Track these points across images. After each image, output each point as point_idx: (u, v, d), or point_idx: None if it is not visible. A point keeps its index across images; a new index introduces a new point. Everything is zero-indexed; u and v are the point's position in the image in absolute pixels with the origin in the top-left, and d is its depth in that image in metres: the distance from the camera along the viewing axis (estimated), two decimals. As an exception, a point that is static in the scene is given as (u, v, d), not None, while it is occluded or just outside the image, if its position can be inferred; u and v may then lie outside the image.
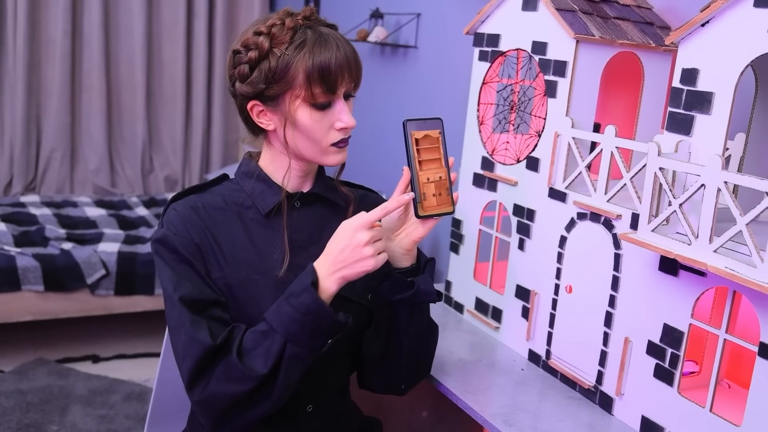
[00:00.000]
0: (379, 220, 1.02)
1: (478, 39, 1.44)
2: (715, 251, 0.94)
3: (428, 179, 1.02)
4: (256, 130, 1.10)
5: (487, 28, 1.42)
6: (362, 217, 0.99)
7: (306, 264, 1.08)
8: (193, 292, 1.00)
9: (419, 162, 1.01)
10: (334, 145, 1.05)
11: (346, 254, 0.98)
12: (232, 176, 1.15)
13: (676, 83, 1.03)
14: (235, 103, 1.09)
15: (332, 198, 1.14)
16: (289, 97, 1.02)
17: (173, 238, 1.03)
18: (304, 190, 1.12)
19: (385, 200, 1.24)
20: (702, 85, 0.99)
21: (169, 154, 3.92)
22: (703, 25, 0.99)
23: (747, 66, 0.94)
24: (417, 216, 1.02)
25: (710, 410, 0.99)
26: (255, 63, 1.02)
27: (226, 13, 3.89)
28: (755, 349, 0.92)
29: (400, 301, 1.06)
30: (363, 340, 1.15)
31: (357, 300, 1.12)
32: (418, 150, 1.01)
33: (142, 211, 3.43)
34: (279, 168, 1.10)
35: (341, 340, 1.12)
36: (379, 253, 0.99)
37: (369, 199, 1.21)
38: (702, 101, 0.99)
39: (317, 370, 1.10)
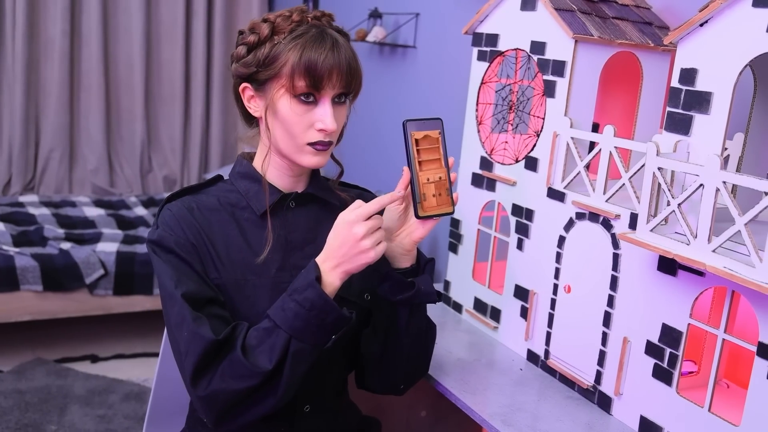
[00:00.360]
0: (381, 212, 1.01)
1: (477, 39, 1.44)
2: (713, 251, 0.94)
3: (428, 179, 1.01)
4: (249, 118, 1.11)
5: (485, 28, 1.42)
6: (357, 211, 0.99)
7: (302, 264, 1.08)
8: (193, 289, 1.00)
9: (419, 162, 1.01)
10: (311, 145, 1.04)
11: (345, 249, 0.98)
12: (226, 177, 1.15)
13: (675, 83, 1.03)
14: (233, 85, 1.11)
15: (327, 198, 1.14)
16: (275, 85, 1.03)
17: (169, 239, 1.03)
18: (299, 191, 1.12)
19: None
20: (701, 85, 0.99)
21: (167, 154, 3.92)
22: (701, 25, 0.99)
23: (746, 66, 0.94)
24: (417, 216, 1.02)
25: (709, 410, 0.99)
26: (252, 46, 1.04)
27: (225, 13, 3.89)
28: (754, 348, 0.92)
29: (401, 302, 1.06)
30: (361, 341, 1.15)
31: (354, 300, 1.12)
32: (418, 150, 1.01)
33: (140, 210, 3.42)
34: (271, 166, 1.10)
35: (339, 338, 1.12)
36: (378, 244, 0.98)
37: (364, 199, 1.21)
38: (701, 101, 0.99)
39: (314, 370, 1.10)
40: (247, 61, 1.05)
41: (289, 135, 1.04)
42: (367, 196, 1.23)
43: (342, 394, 1.21)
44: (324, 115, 1.02)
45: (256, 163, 1.12)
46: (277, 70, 1.02)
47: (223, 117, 3.97)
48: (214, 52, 3.90)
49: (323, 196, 1.13)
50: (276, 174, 1.10)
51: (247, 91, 1.07)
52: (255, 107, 1.07)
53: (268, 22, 1.04)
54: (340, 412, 1.20)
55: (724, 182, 0.92)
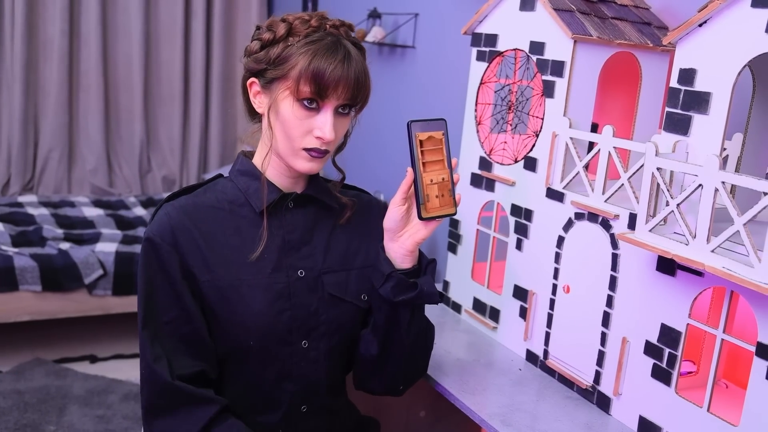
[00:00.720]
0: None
1: (476, 39, 1.44)
2: (712, 251, 0.94)
3: (431, 181, 1.01)
4: (252, 113, 1.12)
5: (484, 28, 1.42)
6: None
7: (298, 264, 1.09)
8: (161, 316, 1.03)
9: (423, 164, 1.01)
10: (306, 150, 1.04)
11: None
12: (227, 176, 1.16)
13: (674, 83, 1.03)
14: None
15: (326, 200, 1.14)
16: (281, 86, 1.03)
17: (159, 244, 1.04)
18: (298, 191, 1.12)
19: (381, 201, 1.24)
20: (699, 86, 0.99)
21: (166, 154, 3.92)
22: (700, 26, 0.99)
23: (744, 66, 0.94)
24: (420, 218, 1.02)
25: (708, 410, 0.99)
26: (266, 44, 1.05)
27: (224, 13, 3.88)
28: (752, 349, 0.93)
29: (403, 303, 1.06)
30: (359, 342, 1.15)
31: (351, 301, 1.12)
32: (422, 151, 1.01)
33: (139, 211, 3.42)
34: (270, 165, 1.10)
35: (336, 340, 1.12)
36: None
37: (362, 200, 1.21)
38: (699, 101, 0.99)
39: (310, 372, 1.10)
40: (258, 57, 1.05)
41: (287, 137, 1.04)
42: (364, 196, 1.23)
43: (340, 394, 1.21)
44: (323, 124, 1.02)
45: (256, 161, 1.12)
46: (285, 72, 1.02)
47: (222, 117, 3.97)
48: (213, 52, 3.90)
49: (322, 198, 1.13)
50: (275, 173, 1.10)
51: (254, 86, 1.08)
52: (260, 103, 1.08)
53: (285, 22, 1.04)
54: (338, 412, 1.20)
55: (723, 182, 0.92)
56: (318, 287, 1.10)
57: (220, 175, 1.16)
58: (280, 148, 1.06)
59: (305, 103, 1.01)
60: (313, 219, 1.13)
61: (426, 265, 1.10)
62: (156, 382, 1.02)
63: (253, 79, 1.07)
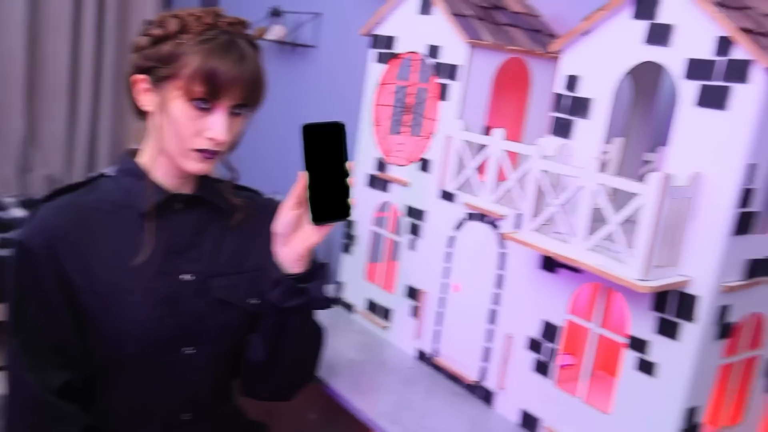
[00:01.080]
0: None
1: (375, 40, 1.45)
2: (589, 249, 0.98)
3: (326, 184, 0.99)
4: (140, 111, 1.05)
5: (383, 30, 1.43)
6: None
7: (182, 268, 1.03)
8: (31, 323, 0.98)
9: (317, 167, 0.98)
10: (197, 151, 0.99)
11: None
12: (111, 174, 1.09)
13: (559, 89, 1.08)
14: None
15: (215, 202, 1.09)
16: (172, 85, 0.97)
17: (32, 249, 0.97)
18: (187, 192, 1.07)
19: (277, 202, 1.20)
20: (582, 92, 1.04)
21: (49, 152, 3.69)
22: (584, 35, 1.04)
23: (625, 74, 0.99)
24: (313, 222, 0.99)
25: (583, 400, 1.04)
26: (155, 40, 0.99)
27: (118, 5, 3.72)
28: (625, 341, 0.97)
29: (291, 309, 1.03)
30: (246, 347, 1.11)
31: (239, 305, 1.08)
32: (316, 155, 0.98)
33: (18, 212, 3.19)
34: (158, 164, 1.04)
35: (223, 346, 1.07)
36: None
37: (256, 202, 1.17)
38: (582, 106, 1.04)
39: (196, 379, 1.06)
40: (147, 54, 0.99)
41: (177, 138, 0.99)
42: (257, 198, 1.19)
43: (227, 400, 1.16)
44: (215, 124, 0.98)
45: (143, 160, 1.06)
46: (176, 70, 0.96)
47: (114, 114, 3.79)
48: (105, 46, 3.72)
49: (212, 200, 1.09)
50: (163, 173, 1.05)
51: (141, 83, 1.01)
52: (147, 102, 1.01)
53: (177, 19, 0.98)
54: (224, 418, 1.15)
55: (601, 184, 0.96)
56: (205, 292, 1.05)
57: (102, 174, 1.09)
58: (170, 148, 1.01)
59: (197, 103, 0.97)
60: (202, 221, 1.08)
61: (317, 270, 1.07)
62: (25, 395, 0.96)
63: (140, 76, 1.01)
